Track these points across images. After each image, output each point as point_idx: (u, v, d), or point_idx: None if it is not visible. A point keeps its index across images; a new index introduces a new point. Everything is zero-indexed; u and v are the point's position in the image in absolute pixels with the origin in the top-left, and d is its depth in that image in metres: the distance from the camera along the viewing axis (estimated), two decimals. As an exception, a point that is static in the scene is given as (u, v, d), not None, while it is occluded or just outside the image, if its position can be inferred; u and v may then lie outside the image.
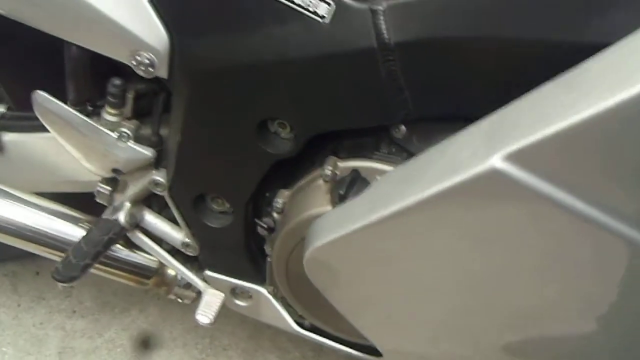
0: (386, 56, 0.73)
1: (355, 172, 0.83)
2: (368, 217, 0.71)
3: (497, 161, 0.61)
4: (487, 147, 0.62)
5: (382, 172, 0.84)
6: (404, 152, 0.84)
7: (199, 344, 1.48)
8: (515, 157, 0.60)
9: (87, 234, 1.01)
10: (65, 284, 0.98)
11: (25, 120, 1.07)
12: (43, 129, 1.01)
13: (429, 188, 0.66)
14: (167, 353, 1.46)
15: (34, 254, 1.46)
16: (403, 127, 0.82)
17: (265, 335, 1.50)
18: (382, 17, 0.72)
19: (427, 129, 0.81)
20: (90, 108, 0.99)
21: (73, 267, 0.98)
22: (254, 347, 1.48)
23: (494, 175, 0.61)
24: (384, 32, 0.72)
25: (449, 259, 0.73)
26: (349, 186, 0.81)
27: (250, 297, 1.11)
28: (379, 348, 0.89)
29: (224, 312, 1.51)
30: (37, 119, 0.98)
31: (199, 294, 1.15)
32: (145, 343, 1.47)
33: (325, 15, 0.74)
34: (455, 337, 0.83)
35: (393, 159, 0.85)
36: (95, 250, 0.98)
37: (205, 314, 1.05)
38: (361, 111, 0.80)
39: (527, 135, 0.60)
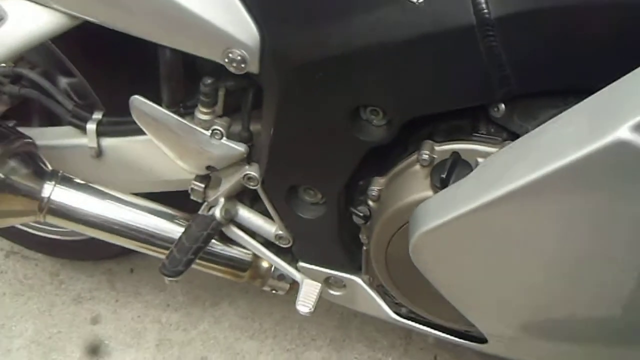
0: (486, 32, 0.67)
1: (455, 154, 0.78)
2: (478, 198, 0.66)
3: (624, 132, 0.55)
4: (609, 120, 0.56)
5: (482, 154, 0.78)
6: (504, 131, 0.78)
7: (288, 334, 1.45)
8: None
9: (186, 230, 0.99)
10: (171, 278, 0.97)
11: (121, 124, 1.05)
12: (139, 133, 1.00)
13: (546, 166, 0.60)
14: (258, 344, 1.43)
15: (128, 253, 1.49)
16: (502, 106, 0.76)
17: (352, 325, 1.45)
18: (482, -8, 0.66)
19: (529, 106, 0.75)
20: (182, 109, 0.96)
21: (178, 261, 0.96)
22: (342, 336, 1.44)
23: (621, 146, 0.55)
24: (484, 7, 0.66)
25: (562, 241, 0.67)
26: (451, 169, 0.76)
27: (344, 286, 1.07)
28: (484, 333, 0.84)
29: (311, 303, 1.49)
30: (132, 122, 0.97)
31: (292, 284, 1.11)
32: (236, 335, 1.45)
33: (420, -5, 0.69)
34: (565, 327, 0.77)
35: (493, 139, 0.79)
36: (196, 246, 0.96)
37: (305, 303, 1.02)
38: (460, 92, 0.74)
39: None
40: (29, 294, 1.51)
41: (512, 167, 0.64)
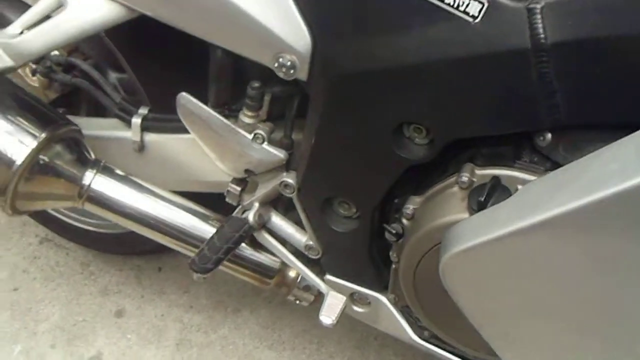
0: (540, 57, 0.65)
1: (495, 178, 0.75)
2: (515, 223, 0.64)
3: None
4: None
5: (523, 181, 0.75)
6: (547, 161, 0.75)
7: (306, 348, 1.42)
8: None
9: (219, 230, 0.98)
10: (200, 275, 0.96)
11: (166, 121, 1.06)
12: (182, 131, 1.00)
13: (590, 195, 0.57)
14: (275, 355, 1.41)
15: (157, 252, 1.49)
16: (549, 135, 0.73)
17: (372, 347, 1.42)
18: (539, 16, 0.64)
19: (576, 138, 0.72)
20: (227, 111, 0.96)
21: (207, 259, 0.95)
22: (360, 357, 1.41)
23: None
24: (541, 31, 0.64)
25: (597, 276, 0.64)
26: (489, 193, 0.73)
27: (369, 303, 1.04)
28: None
29: (332, 319, 1.47)
30: (177, 120, 0.97)
31: (317, 297, 1.09)
32: (255, 343, 1.43)
33: (476, 14, 0.67)
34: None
35: (535, 168, 0.76)
36: (227, 246, 0.95)
37: (328, 315, 1.00)
38: (507, 116, 0.72)
39: None
40: (59, 281, 1.52)
41: (553, 194, 0.61)
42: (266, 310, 1.49)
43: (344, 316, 1.44)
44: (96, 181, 1.02)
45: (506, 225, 0.64)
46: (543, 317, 0.70)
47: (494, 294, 0.72)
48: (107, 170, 1.03)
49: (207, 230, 1.04)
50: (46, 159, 0.99)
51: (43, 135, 0.97)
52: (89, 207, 1.04)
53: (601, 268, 0.62)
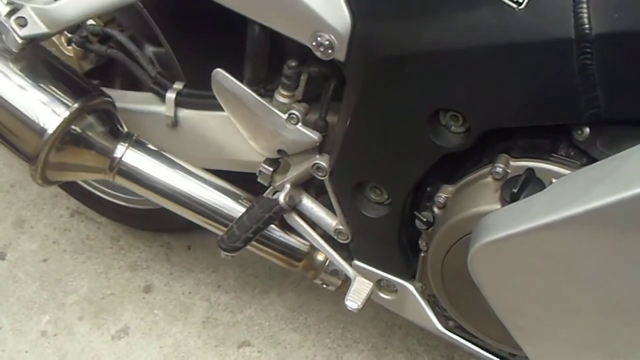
0: (583, 48, 0.65)
1: (530, 170, 0.75)
2: (548, 215, 0.64)
3: None
4: None
5: (558, 175, 0.75)
6: (584, 156, 0.75)
7: (331, 333, 1.44)
8: None
9: (249, 210, 0.99)
10: (228, 253, 0.97)
11: (201, 98, 1.07)
12: (216, 108, 1.01)
13: (627, 190, 0.57)
14: (300, 338, 1.43)
15: (187, 229, 1.51)
16: (587, 130, 0.73)
17: (396, 335, 1.43)
18: (585, 6, 0.64)
19: (615, 134, 0.71)
20: (262, 89, 0.97)
21: (236, 238, 0.97)
22: (384, 344, 1.42)
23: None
24: (585, 21, 0.64)
25: (627, 274, 0.63)
26: (523, 184, 0.73)
27: (396, 291, 1.05)
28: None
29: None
30: (211, 97, 0.98)
31: (343, 282, 1.10)
32: (281, 325, 1.45)
33: (521, 1, 0.67)
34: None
35: (571, 162, 0.76)
36: (256, 226, 0.97)
37: (354, 300, 1.00)
38: (545, 107, 0.72)
39: None
40: (89, 254, 1.56)
41: (588, 189, 0.61)
42: (293, 294, 1.51)
43: (370, 304, 1.45)
44: (128, 155, 1.03)
45: (538, 218, 0.64)
46: (569, 314, 0.70)
47: (521, 287, 0.72)
48: (139, 144, 1.05)
49: (237, 209, 1.05)
50: (78, 129, 1.00)
51: (76, 105, 0.98)
52: (120, 180, 1.06)
53: (632, 267, 0.62)
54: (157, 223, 1.52)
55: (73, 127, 0.99)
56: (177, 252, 1.58)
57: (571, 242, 0.64)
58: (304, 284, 1.50)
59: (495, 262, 0.71)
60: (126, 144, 1.04)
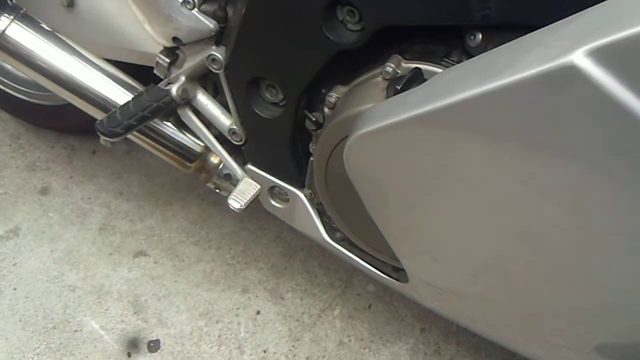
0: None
1: (417, 70, 0.75)
2: (420, 107, 0.63)
3: (577, 56, 0.52)
4: (566, 43, 0.53)
5: (445, 77, 0.75)
6: (474, 61, 0.75)
7: (232, 249, 1.43)
8: (598, 54, 0.51)
9: (136, 97, 0.97)
10: (106, 138, 0.94)
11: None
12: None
13: (496, 80, 0.57)
14: (199, 251, 1.42)
15: (93, 133, 1.47)
16: (479, 35, 0.73)
17: (297, 256, 1.44)
18: None
19: (505, 41, 0.70)
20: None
21: (117, 123, 0.94)
22: (284, 264, 1.42)
23: (571, 71, 0.52)
24: None
25: (503, 167, 0.63)
26: (408, 82, 0.73)
27: (287, 200, 1.05)
28: (406, 270, 0.81)
29: (262, 225, 1.47)
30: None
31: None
32: (181, 238, 1.44)
33: None
34: (496, 280, 0.74)
35: (460, 66, 0.75)
36: (141, 114, 0.94)
37: (237, 199, 0.99)
38: (438, 7, 0.71)
39: (615, 32, 0.50)
40: (-16, 150, 1.51)
41: (462, 81, 0.61)
42: (197, 207, 1.49)
43: (273, 223, 1.45)
44: (12, 29, 0.99)
45: (414, 108, 0.64)
46: (436, 209, 0.70)
47: (392, 182, 0.72)
48: (26, 19, 1.00)
49: (124, 97, 1.02)
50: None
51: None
52: (0, 55, 1.01)
53: (500, 159, 0.62)
54: (60, 122, 1.47)
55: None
56: (81, 156, 1.54)
57: (442, 135, 0.64)
58: (210, 199, 1.49)
59: (368, 155, 0.71)
60: (11, 17, 0.99)
